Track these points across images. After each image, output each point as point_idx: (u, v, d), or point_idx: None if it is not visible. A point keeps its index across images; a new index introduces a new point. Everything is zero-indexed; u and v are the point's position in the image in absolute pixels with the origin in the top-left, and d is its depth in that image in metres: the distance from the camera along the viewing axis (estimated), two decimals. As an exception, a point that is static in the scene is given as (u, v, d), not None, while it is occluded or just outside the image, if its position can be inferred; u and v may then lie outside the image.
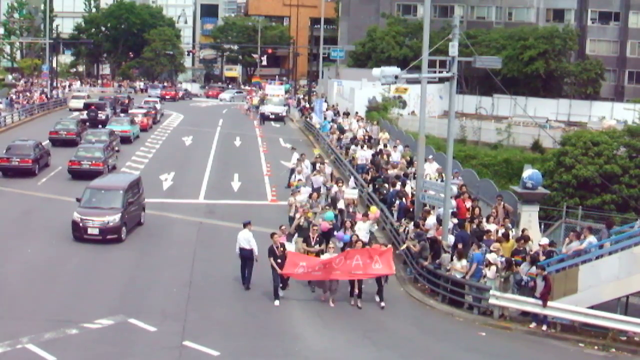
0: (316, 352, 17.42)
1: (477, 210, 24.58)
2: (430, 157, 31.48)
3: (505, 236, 22.00)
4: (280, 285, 20.51)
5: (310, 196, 27.47)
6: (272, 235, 20.57)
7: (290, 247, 21.26)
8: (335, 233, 23.91)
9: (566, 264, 21.01)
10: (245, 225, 21.43)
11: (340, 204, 26.98)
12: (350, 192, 28.10)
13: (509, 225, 23.32)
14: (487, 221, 23.51)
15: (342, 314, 19.97)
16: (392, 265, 20.61)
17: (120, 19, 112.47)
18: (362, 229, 23.85)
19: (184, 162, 41.98)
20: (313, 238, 21.72)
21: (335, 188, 28.41)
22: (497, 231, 22.69)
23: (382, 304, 20.53)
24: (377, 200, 29.18)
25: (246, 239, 21.10)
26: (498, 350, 18.75)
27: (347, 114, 52.65)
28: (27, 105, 64.17)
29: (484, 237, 22.04)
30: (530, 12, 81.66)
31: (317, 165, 33.28)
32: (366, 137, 41.09)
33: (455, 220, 23.75)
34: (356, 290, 20.48)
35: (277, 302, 20.06)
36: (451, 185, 24.52)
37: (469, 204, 25.33)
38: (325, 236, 23.34)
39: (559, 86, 77.49)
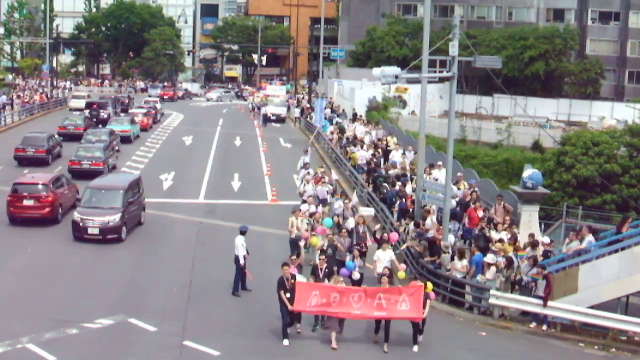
0: (316, 352, 17.41)
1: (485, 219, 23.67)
2: (440, 163, 29.55)
3: (514, 240, 21.71)
4: (290, 321, 17.81)
5: (312, 215, 24.01)
6: (283, 266, 17.92)
7: (300, 279, 18.24)
8: (342, 270, 19.63)
9: (566, 264, 21.03)
10: (242, 232, 20.96)
11: (350, 223, 23.22)
12: (364, 210, 24.83)
13: (515, 231, 23.00)
14: (496, 229, 22.87)
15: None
16: (422, 307, 17.53)
17: (120, 18, 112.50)
18: (383, 260, 20.13)
19: (184, 161, 41.98)
20: (321, 269, 18.51)
21: (339, 203, 25.64)
22: (513, 239, 21.97)
23: (415, 348, 17.81)
24: (378, 200, 29.16)
25: (236, 245, 20.76)
26: (498, 350, 18.76)
27: (354, 117, 52.00)
28: (27, 104, 64.21)
29: (489, 246, 21.62)
30: (531, 12, 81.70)
31: (319, 173, 30.58)
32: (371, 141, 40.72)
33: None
34: (375, 326, 17.99)
35: (286, 342, 17.47)
36: (451, 185, 24.54)
37: (481, 213, 24.21)
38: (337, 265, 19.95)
39: (559, 86, 77.54)
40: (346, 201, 26.13)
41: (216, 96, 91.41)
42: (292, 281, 17.53)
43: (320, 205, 26.52)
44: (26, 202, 26.77)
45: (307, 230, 22.88)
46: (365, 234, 22.50)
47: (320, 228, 22.36)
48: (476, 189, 27.13)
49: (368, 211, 25.52)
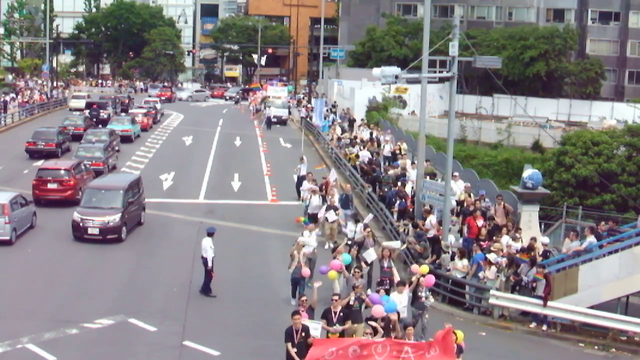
0: (316, 352, 17.39)
1: (483, 231, 22.87)
2: (456, 174, 27.47)
3: (530, 248, 21.19)
4: None
5: (334, 249, 20.74)
6: (293, 315, 15.01)
7: (314, 331, 15.24)
8: (373, 297, 16.90)
9: (566, 264, 21.03)
10: (209, 234, 20.63)
11: (370, 254, 20.30)
12: (391, 244, 21.78)
13: (517, 235, 22.37)
14: (500, 231, 22.45)
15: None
16: (453, 349, 14.72)
17: (120, 18, 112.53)
18: (400, 303, 17.08)
19: (184, 161, 41.98)
20: (335, 313, 15.97)
21: (355, 227, 23.04)
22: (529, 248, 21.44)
23: None
24: (377, 200, 29.14)
25: (204, 248, 20.52)
26: (498, 350, 18.76)
27: (351, 122, 51.57)
28: (26, 104, 64.20)
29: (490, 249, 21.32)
30: (531, 12, 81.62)
31: (329, 189, 28.05)
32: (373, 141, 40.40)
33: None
34: None
35: None
36: (451, 185, 24.51)
37: (480, 222, 23.05)
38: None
39: (559, 86, 77.50)
40: (368, 229, 22.91)
41: (186, 95, 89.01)
42: (302, 334, 14.83)
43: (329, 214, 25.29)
44: (50, 186, 29.86)
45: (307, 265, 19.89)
46: (390, 269, 19.41)
47: (336, 262, 18.88)
48: (487, 200, 25.63)
49: (395, 244, 21.64)
